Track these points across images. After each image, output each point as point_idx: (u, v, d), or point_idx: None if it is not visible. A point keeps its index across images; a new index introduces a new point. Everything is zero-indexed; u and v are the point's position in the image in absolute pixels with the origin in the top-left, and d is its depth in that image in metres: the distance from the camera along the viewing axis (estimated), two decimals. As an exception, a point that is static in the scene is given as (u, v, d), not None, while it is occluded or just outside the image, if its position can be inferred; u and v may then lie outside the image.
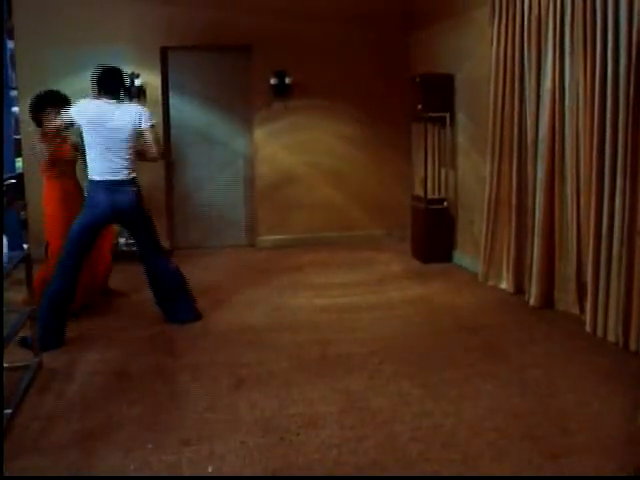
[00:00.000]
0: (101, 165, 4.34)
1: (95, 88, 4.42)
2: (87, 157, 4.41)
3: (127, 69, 6.72)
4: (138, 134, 4.42)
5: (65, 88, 5.28)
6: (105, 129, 4.31)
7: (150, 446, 2.97)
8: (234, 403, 3.41)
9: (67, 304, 4.36)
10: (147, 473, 2.77)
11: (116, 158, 4.33)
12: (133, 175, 4.43)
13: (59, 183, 4.90)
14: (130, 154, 4.39)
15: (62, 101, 4.80)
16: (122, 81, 4.51)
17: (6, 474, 2.69)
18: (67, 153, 4.96)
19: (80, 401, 3.47)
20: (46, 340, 4.08)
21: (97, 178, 4.35)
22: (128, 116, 4.37)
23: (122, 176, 4.36)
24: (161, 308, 4.74)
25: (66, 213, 4.72)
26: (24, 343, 4.04)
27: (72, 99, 4.72)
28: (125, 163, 4.37)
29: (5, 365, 3.38)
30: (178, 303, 4.71)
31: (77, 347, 4.23)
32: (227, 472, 2.77)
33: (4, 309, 3.53)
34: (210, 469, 2.79)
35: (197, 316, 4.78)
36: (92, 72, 4.43)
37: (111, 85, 4.41)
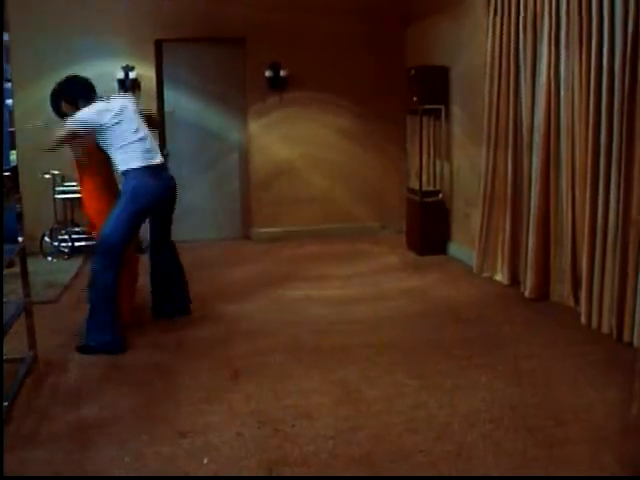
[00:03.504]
0: None
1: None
2: None
3: (122, 62, 6.78)
4: None
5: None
6: None
7: (145, 438, 2.98)
8: (229, 395, 3.41)
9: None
10: (142, 465, 2.78)
11: None
12: None
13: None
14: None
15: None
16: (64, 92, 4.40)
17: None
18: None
19: (75, 393, 3.47)
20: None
21: None
22: None
23: None
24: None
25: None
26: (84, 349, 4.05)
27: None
28: None
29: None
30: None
31: (72, 339, 4.20)
32: (222, 464, 2.78)
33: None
34: (205, 460, 2.79)
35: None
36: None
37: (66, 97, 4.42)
